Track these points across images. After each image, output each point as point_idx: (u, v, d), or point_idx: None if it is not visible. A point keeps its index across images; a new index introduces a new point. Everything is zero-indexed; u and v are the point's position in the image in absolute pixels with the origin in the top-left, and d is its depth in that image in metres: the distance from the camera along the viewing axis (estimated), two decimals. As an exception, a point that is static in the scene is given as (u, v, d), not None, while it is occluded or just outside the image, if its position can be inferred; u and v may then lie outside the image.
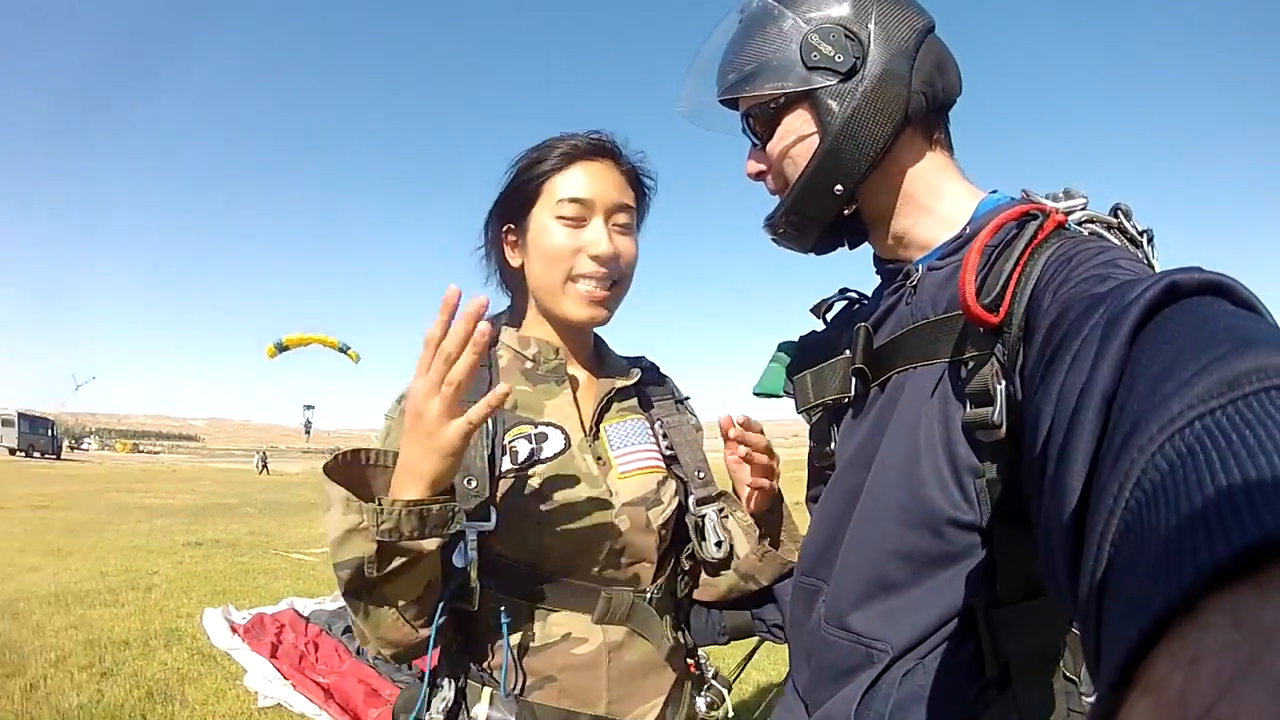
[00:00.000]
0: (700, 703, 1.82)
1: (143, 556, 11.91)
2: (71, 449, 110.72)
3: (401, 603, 1.43)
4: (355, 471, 1.45)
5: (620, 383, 1.81)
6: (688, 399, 1.98)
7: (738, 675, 1.99)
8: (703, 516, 1.73)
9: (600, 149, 1.71)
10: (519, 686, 1.56)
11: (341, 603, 7.58)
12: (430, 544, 1.38)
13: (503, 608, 1.55)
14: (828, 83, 1.26)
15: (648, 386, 1.90)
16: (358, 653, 6.09)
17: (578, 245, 1.65)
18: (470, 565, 1.49)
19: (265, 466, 59.88)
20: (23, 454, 65.19)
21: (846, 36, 1.25)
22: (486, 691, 1.57)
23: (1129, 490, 0.46)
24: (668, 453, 1.80)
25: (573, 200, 1.65)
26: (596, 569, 1.61)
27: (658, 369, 1.99)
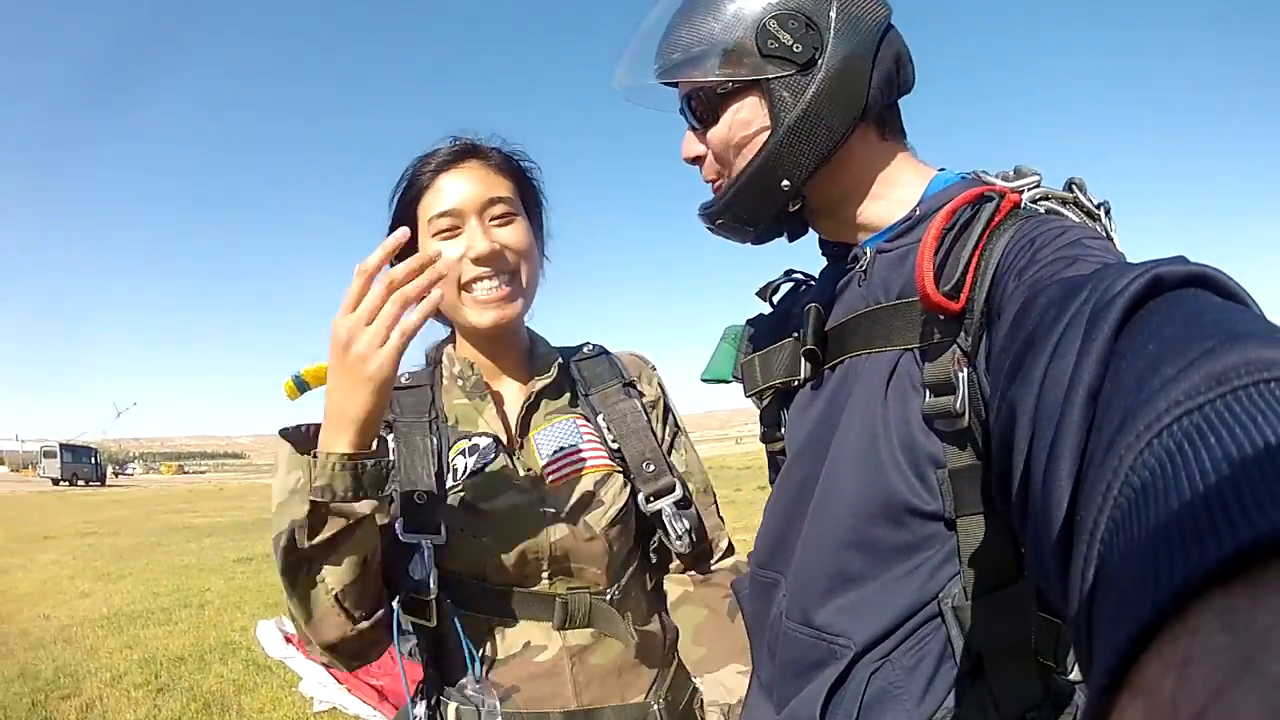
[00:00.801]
0: (698, 683, 1.74)
1: (194, 575, 12.05)
2: (116, 474, 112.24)
3: (337, 587, 1.40)
4: (312, 441, 1.43)
5: (540, 383, 1.76)
6: (632, 383, 1.87)
7: None
8: (658, 511, 1.69)
9: (458, 154, 1.69)
10: (484, 703, 1.56)
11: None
12: (365, 507, 1.37)
13: (460, 623, 1.54)
14: (783, 73, 1.20)
15: (588, 375, 1.86)
16: (409, 655, 6.11)
17: (459, 254, 1.62)
18: (429, 578, 1.48)
19: None
20: (66, 483, 66.21)
21: (807, 26, 1.19)
22: (453, 708, 1.56)
23: (1117, 488, 0.46)
24: (614, 446, 1.75)
25: (441, 215, 1.63)
26: (546, 577, 1.61)
27: (604, 353, 1.92)
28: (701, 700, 1.71)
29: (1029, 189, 1.16)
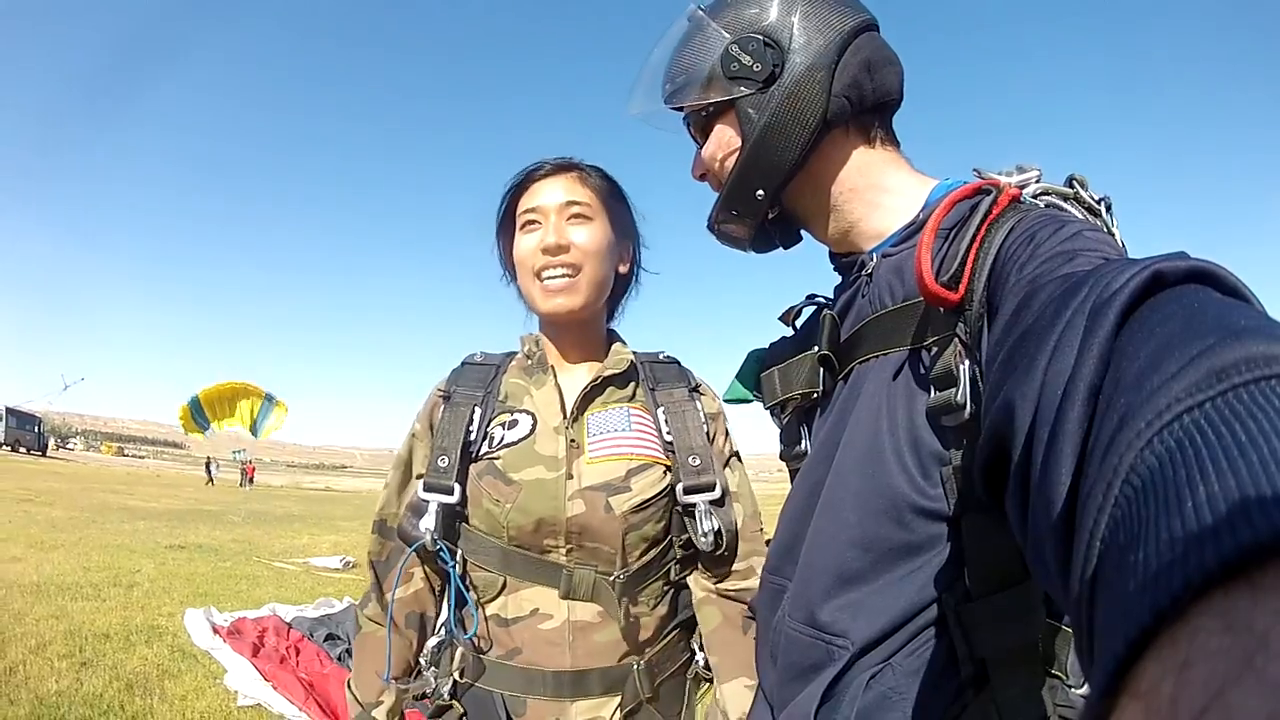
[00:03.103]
0: (700, 656, 1.88)
1: (125, 555, 11.74)
2: (57, 447, 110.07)
3: None
4: None
5: (609, 370, 1.87)
6: (699, 385, 2.00)
7: None
8: (691, 505, 1.75)
9: (559, 166, 1.89)
10: (488, 652, 1.73)
11: (323, 610, 7.58)
12: None
13: (466, 575, 1.77)
14: (747, 92, 1.26)
15: (658, 376, 1.97)
16: (338, 659, 6.04)
17: (535, 245, 1.81)
18: (430, 532, 1.68)
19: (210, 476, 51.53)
20: (8, 449, 64.77)
21: (766, 45, 1.24)
22: (460, 651, 1.75)
23: (1118, 487, 0.45)
24: (669, 438, 1.84)
25: (527, 210, 1.85)
26: (558, 547, 1.72)
27: (676, 361, 2.04)
28: (695, 671, 1.89)
29: (1030, 183, 1.16)
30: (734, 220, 1.38)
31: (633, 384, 1.93)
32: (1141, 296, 0.59)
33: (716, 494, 1.77)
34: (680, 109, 1.40)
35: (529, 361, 1.93)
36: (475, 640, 1.72)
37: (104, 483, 34.40)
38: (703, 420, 1.88)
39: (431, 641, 1.79)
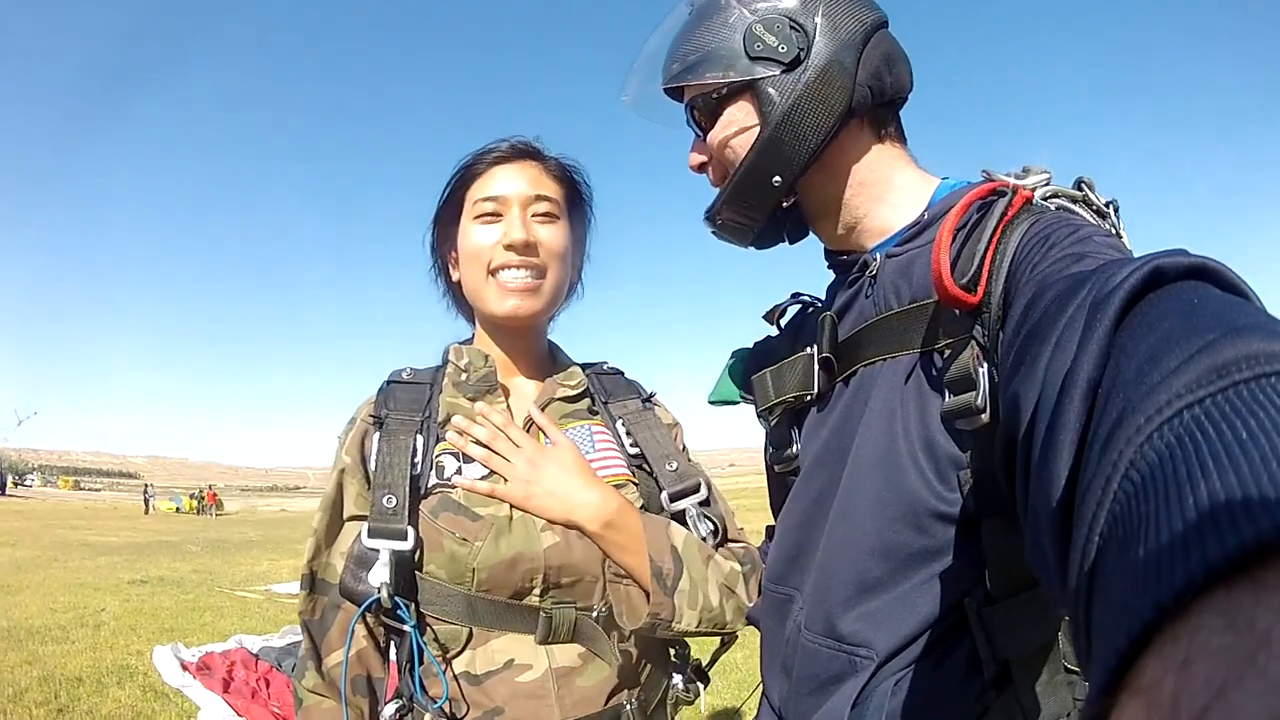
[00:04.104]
0: (678, 679, 1.65)
1: (90, 593, 11.64)
2: (15, 485, 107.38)
3: None
4: None
5: (562, 389, 1.70)
6: (654, 395, 1.84)
7: (711, 664, 1.76)
8: (680, 512, 1.60)
9: (518, 151, 1.66)
10: (463, 717, 1.44)
11: (289, 639, 7.51)
12: None
13: (434, 631, 1.46)
14: (770, 73, 1.20)
15: (608, 388, 1.79)
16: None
17: (495, 240, 1.58)
18: (387, 586, 1.38)
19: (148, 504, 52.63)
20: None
21: (791, 27, 1.19)
22: (427, 718, 1.43)
23: (1117, 482, 0.44)
24: (632, 451, 1.67)
25: (487, 199, 1.60)
26: (533, 586, 1.46)
27: (620, 372, 1.87)
28: (675, 696, 1.65)
29: (1040, 186, 1.12)
30: (744, 208, 1.31)
31: (586, 399, 1.74)
32: (1141, 292, 0.59)
33: (703, 494, 1.63)
34: (681, 91, 1.34)
35: (465, 378, 1.66)
36: (447, 705, 1.43)
37: (63, 519, 33.78)
38: (665, 429, 1.73)
39: (389, 710, 1.46)
